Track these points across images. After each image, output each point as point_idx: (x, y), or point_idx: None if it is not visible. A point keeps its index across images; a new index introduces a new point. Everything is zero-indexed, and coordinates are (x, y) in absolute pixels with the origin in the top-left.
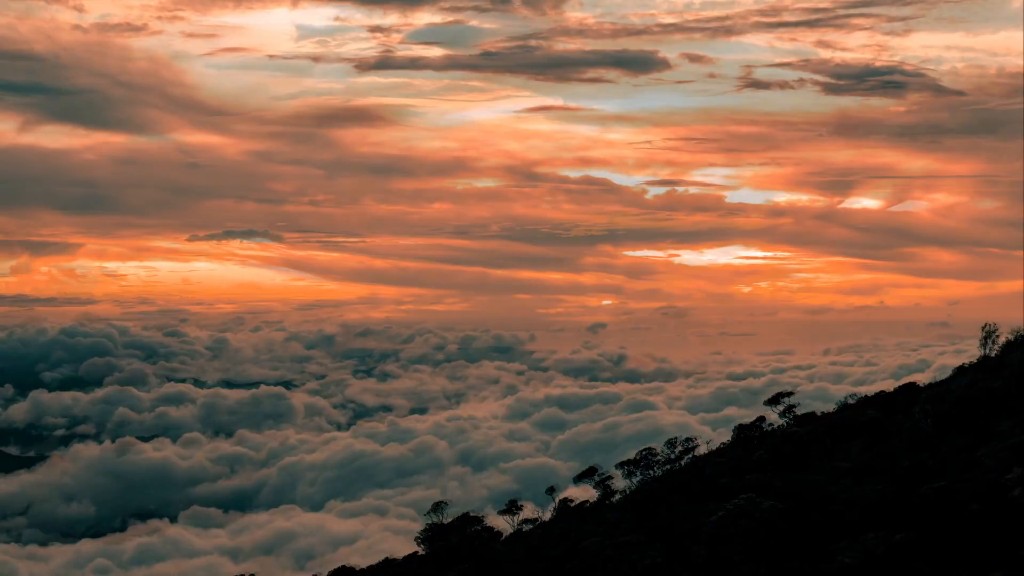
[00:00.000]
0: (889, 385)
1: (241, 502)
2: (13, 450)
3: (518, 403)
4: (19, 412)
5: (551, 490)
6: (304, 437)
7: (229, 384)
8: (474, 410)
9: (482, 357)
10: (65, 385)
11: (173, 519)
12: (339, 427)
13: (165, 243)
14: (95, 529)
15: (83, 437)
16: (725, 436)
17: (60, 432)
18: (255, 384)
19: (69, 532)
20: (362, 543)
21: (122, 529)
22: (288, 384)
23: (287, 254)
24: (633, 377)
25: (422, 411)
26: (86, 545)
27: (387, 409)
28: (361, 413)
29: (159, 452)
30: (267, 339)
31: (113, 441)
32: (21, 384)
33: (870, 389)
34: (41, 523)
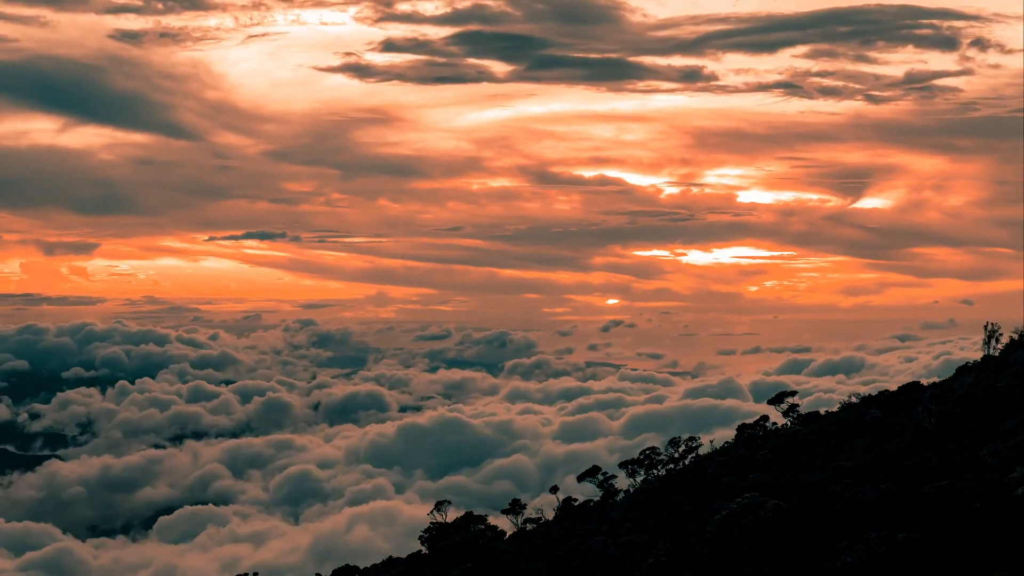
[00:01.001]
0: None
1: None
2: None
3: (578, 391)
4: (107, 404)
5: (554, 489)
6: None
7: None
8: (538, 397)
9: (515, 354)
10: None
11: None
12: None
13: (176, 243)
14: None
15: (204, 430)
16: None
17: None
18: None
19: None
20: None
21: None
22: (348, 377)
23: (299, 253)
24: (673, 372)
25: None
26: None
27: (447, 397)
28: (437, 402)
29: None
30: (301, 337)
31: (256, 433)
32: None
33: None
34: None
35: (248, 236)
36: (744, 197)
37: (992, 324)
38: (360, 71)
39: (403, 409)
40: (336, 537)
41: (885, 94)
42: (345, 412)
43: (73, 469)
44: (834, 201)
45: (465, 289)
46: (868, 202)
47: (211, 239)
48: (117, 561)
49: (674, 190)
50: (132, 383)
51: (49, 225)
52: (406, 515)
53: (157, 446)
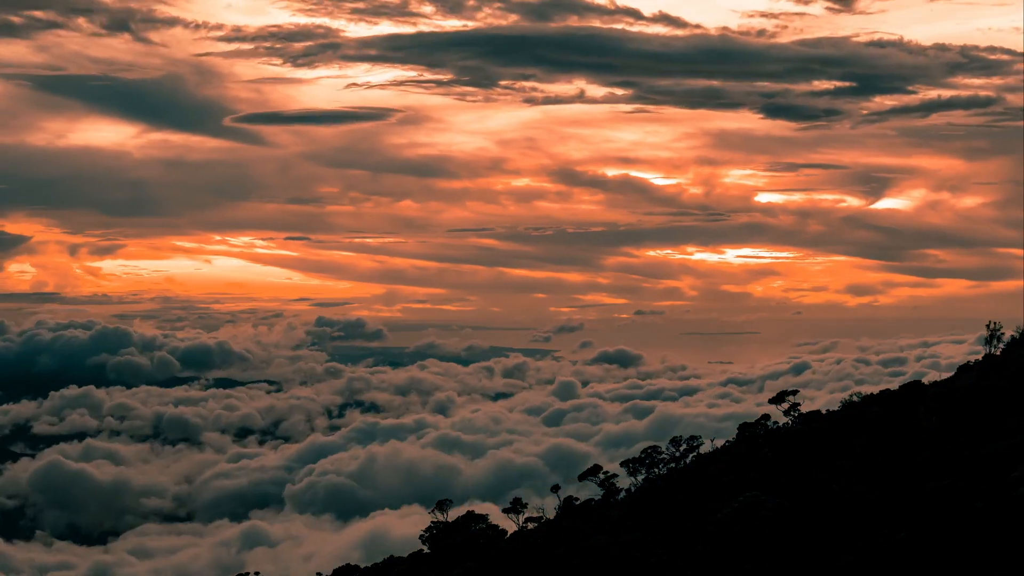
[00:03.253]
0: None
1: None
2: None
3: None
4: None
5: (556, 488)
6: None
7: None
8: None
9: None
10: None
11: None
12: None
13: (192, 243)
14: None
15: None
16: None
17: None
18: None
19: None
20: None
21: None
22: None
23: (314, 254)
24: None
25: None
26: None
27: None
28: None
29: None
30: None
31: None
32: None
33: None
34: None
35: (264, 236)
36: (762, 197)
37: (994, 323)
38: (405, 83)
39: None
40: None
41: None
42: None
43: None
44: (853, 202)
45: (474, 289)
46: (886, 203)
47: (233, 239)
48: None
49: (695, 190)
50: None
51: (76, 225)
52: None
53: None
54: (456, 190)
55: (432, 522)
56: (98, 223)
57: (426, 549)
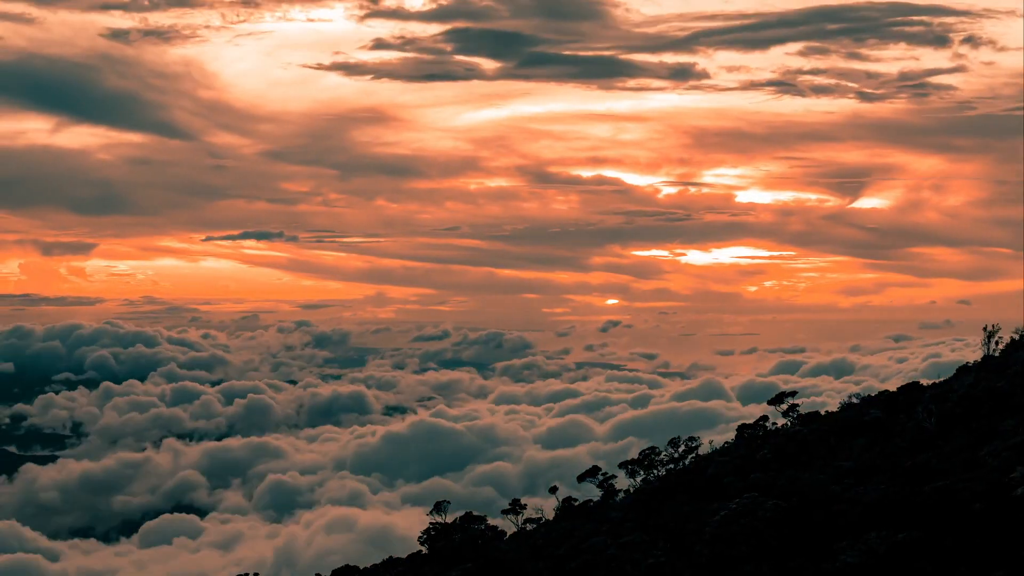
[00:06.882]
0: None
1: None
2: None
3: (565, 393)
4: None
5: (554, 489)
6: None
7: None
8: (526, 399)
9: (511, 354)
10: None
11: None
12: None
13: (175, 243)
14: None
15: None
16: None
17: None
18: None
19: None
20: None
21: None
22: (338, 379)
23: (298, 254)
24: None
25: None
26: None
27: (432, 400)
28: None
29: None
30: (297, 338)
31: (239, 436)
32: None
33: None
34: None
35: (246, 236)
36: (742, 197)
37: (992, 325)
38: (350, 69)
39: (388, 411)
40: (294, 545)
41: (878, 92)
42: (328, 414)
43: (54, 473)
44: (832, 201)
45: (464, 289)
46: (866, 202)
47: (209, 239)
48: (84, 568)
49: (672, 190)
50: (121, 384)
51: (47, 225)
52: (364, 522)
53: (141, 449)
54: (431, 190)
55: (431, 523)
56: (69, 222)
57: (425, 550)
